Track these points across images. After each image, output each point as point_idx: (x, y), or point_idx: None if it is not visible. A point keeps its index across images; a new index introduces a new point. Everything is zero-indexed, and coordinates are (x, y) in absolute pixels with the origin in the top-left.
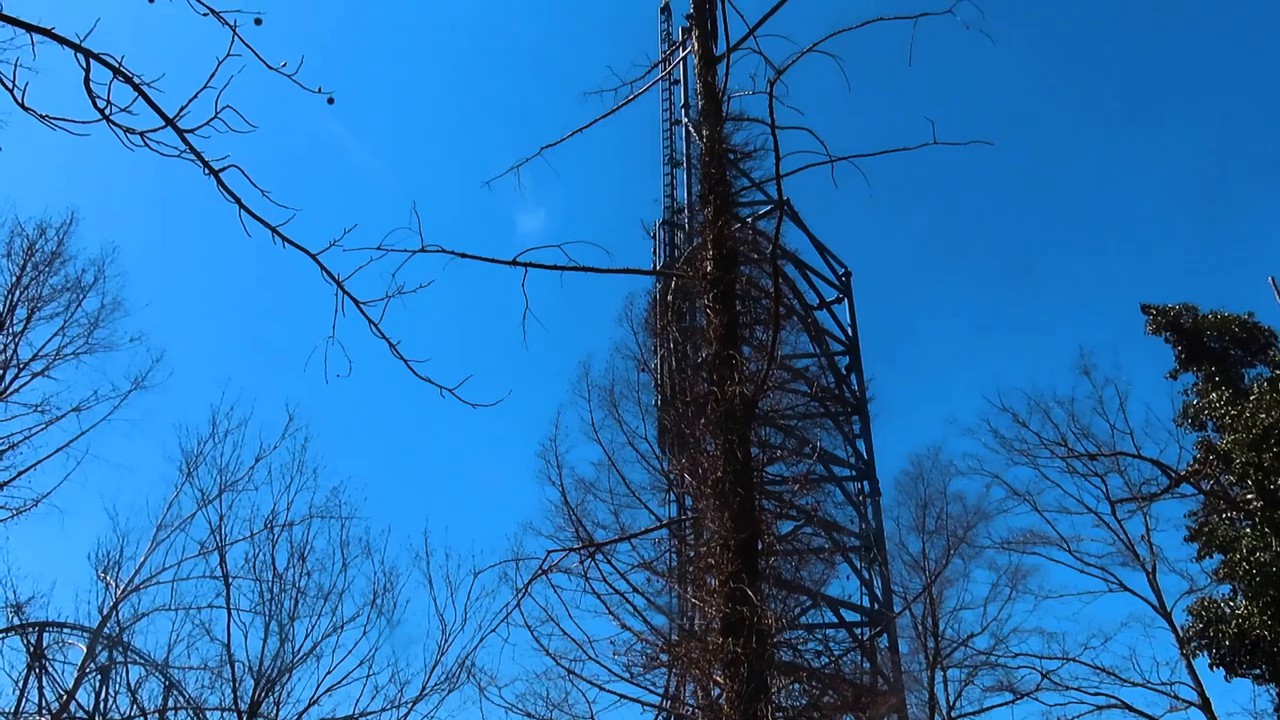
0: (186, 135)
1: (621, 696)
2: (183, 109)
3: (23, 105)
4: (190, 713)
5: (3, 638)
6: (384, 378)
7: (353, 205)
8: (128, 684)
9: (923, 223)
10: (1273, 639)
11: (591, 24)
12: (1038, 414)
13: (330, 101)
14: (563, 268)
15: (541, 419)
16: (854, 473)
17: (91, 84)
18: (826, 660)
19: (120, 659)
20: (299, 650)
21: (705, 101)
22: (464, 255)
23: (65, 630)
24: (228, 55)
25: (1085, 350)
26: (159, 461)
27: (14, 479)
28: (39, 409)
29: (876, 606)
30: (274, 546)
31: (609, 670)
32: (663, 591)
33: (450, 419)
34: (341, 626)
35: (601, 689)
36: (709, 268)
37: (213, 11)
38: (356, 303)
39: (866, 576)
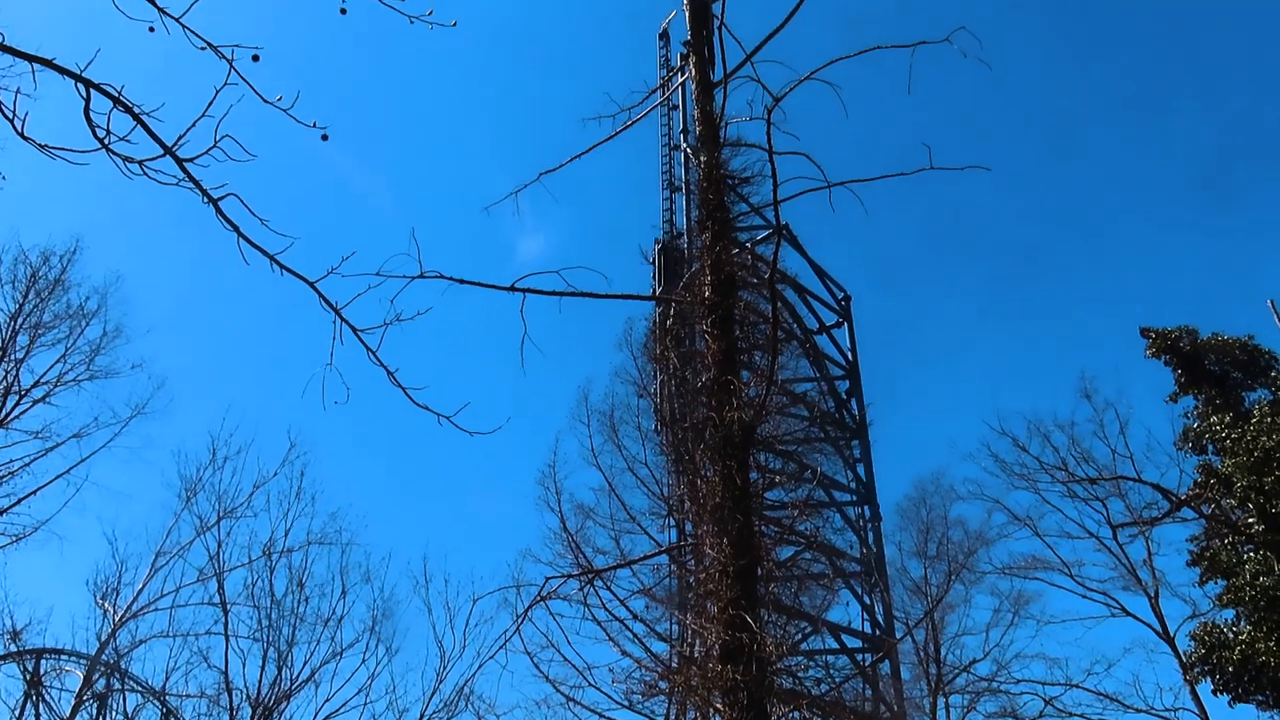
0: (186, 164)
1: None
2: (181, 138)
3: (23, 135)
4: None
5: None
6: (383, 403)
7: (351, 232)
8: (125, 711)
9: (922, 245)
10: (1276, 664)
11: (589, 51)
12: (1038, 438)
13: (325, 138)
14: (561, 293)
15: (541, 445)
16: (854, 497)
17: (91, 113)
18: (827, 687)
19: (118, 686)
20: (297, 677)
21: (703, 127)
22: (463, 281)
23: (63, 657)
24: (225, 84)
25: (1086, 374)
26: (158, 488)
27: (14, 505)
28: (39, 435)
29: (878, 632)
30: (272, 573)
31: (609, 697)
32: (662, 618)
33: (450, 445)
34: (340, 653)
35: (601, 716)
36: (707, 293)
37: (210, 46)
38: (355, 330)
39: (868, 602)
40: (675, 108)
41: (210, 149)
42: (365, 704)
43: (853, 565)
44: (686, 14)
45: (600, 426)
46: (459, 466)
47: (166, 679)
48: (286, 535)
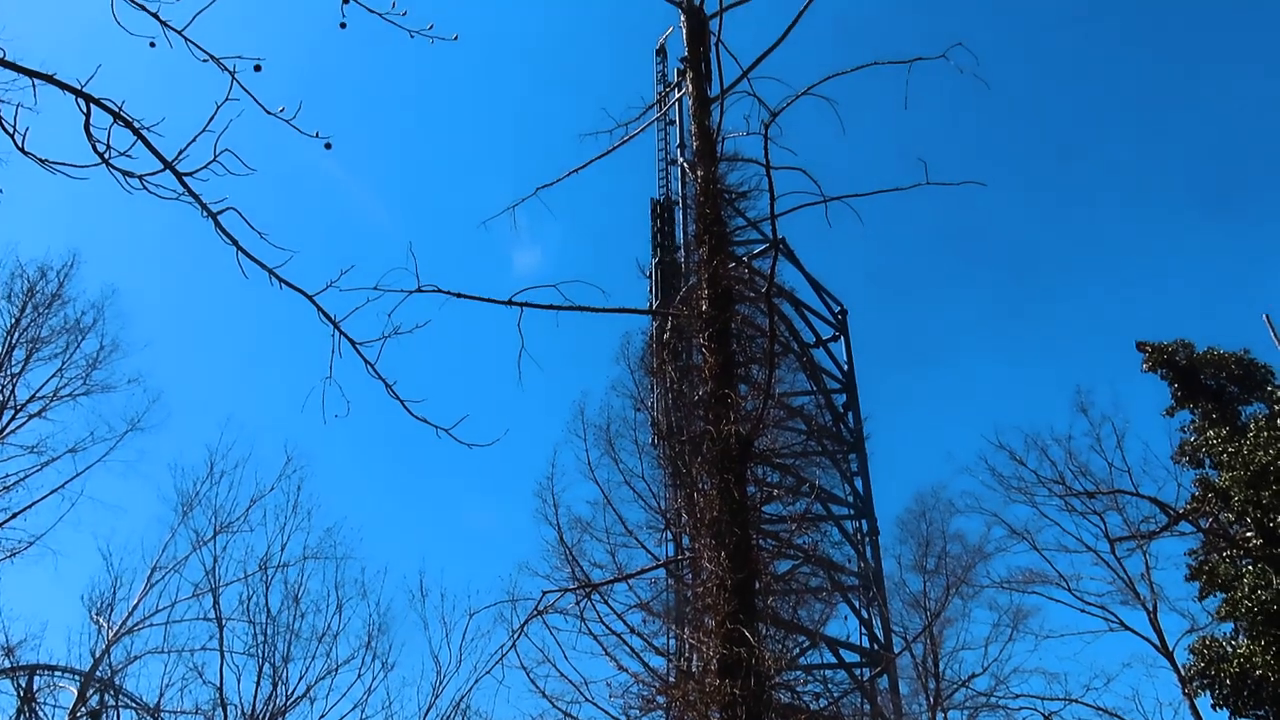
0: (185, 178)
1: None
2: (181, 153)
3: (23, 149)
4: None
5: None
6: (380, 417)
7: (349, 246)
8: None
9: (918, 259)
10: (1275, 678)
11: (586, 67)
12: (1035, 451)
13: (328, 146)
14: (559, 307)
15: (538, 458)
16: (852, 511)
17: (92, 128)
18: (826, 702)
19: (111, 703)
20: (292, 693)
21: (700, 142)
22: (460, 295)
23: (56, 673)
24: (226, 99)
25: (1082, 388)
26: (154, 503)
27: (8, 520)
28: (35, 450)
29: (876, 647)
30: (268, 588)
31: (606, 713)
32: (660, 632)
33: (447, 458)
34: (336, 669)
35: None
36: (705, 306)
37: (212, 58)
38: (353, 343)
39: (865, 616)
40: (672, 123)
41: (209, 163)
42: (363, 719)
43: (850, 579)
44: (684, 30)
45: (597, 440)
46: (455, 480)
47: (161, 695)
48: (283, 550)
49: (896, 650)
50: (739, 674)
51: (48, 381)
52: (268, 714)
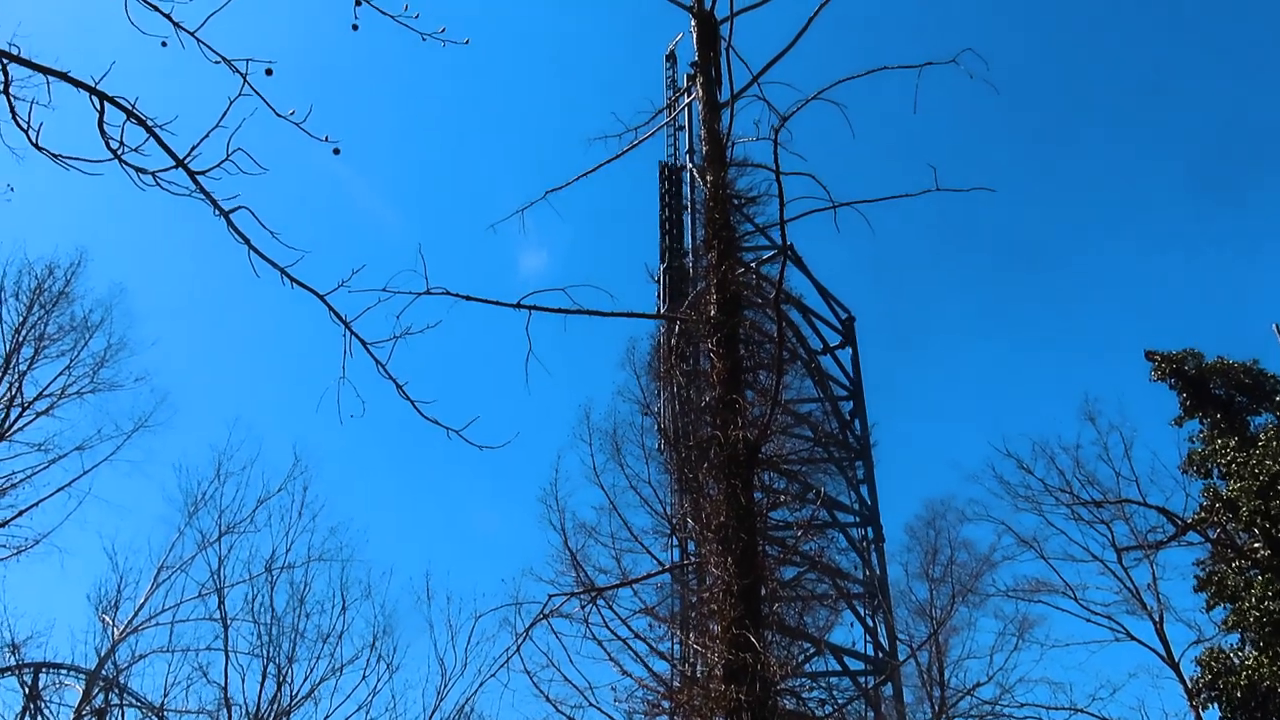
0: (198, 176)
1: None
2: (193, 149)
3: (37, 145)
4: None
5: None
6: (386, 418)
7: (357, 247)
8: None
9: (926, 263)
10: None
11: (596, 71)
12: (1042, 460)
13: (336, 152)
14: (567, 311)
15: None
16: (857, 519)
17: (105, 125)
18: (830, 709)
19: (116, 701)
20: (297, 694)
21: (710, 147)
22: (469, 298)
23: (62, 671)
24: (239, 95)
25: (1090, 396)
26: (160, 502)
27: (15, 518)
28: (42, 448)
29: (881, 654)
30: (273, 589)
31: (610, 718)
32: (665, 637)
33: (453, 461)
34: (340, 670)
35: None
36: (713, 312)
37: (224, 59)
38: (364, 343)
39: (870, 624)
40: (681, 128)
41: (222, 162)
42: None
43: (856, 586)
44: (694, 35)
45: (603, 445)
46: (462, 483)
47: (165, 694)
48: (288, 551)
49: (901, 658)
50: (744, 679)
51: (55, 379)
52: (272, 714)
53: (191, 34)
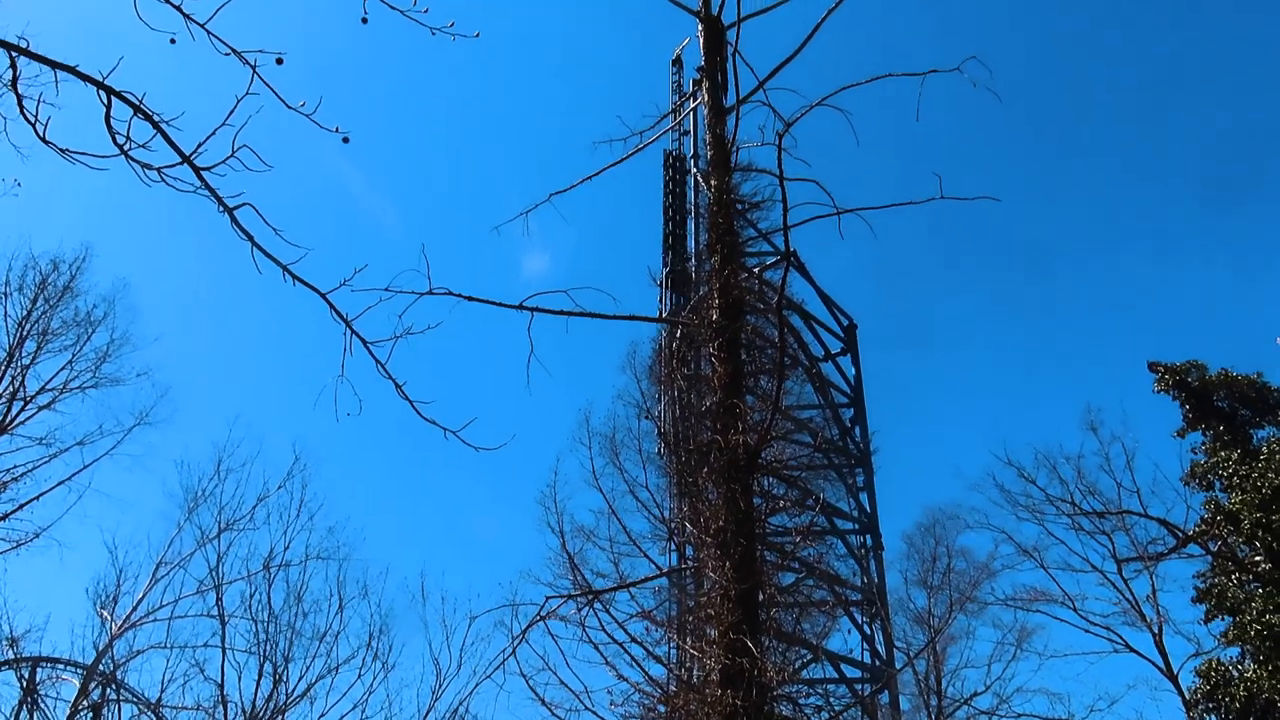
0: (203, 173)
1: None
2: (199, 146)
3: (44, 139)
4: None
5: None
6: (386, 418)
7: (358, 246)
8: None
9: (929, 271)
10: None
11: (603, 75)
12: (1044, 470)
13: (346, 140)
14: (569, 313)
15: (542, 464)
16: (856, 526)
17: (112, 120)
18: (827, 716)
19: (113, 697)
20: (293, 692)
21: (714, 152)
22: (471, 298)
23: (59, 666)
24: (246, 93)
25: (1092, 406)
26: (160, 498)
27: (15, 511)
28: (43, 442)
29: (878, 663)
30: (270, 586)
31: None
32: (661, 642)
33: (452, 463)
34: (336, 669)
35: None
36: (715, 316)
37: (234, 51)
38: (364, 342)
39: (868, 632)
40: (686, 133)
41: (228, 158)
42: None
43: (854, 594)
44: (701, 40)
45: (602, 449)
46: (460, 485)
47: (162, 690)
48: (286, 549)
49: (899, 666)
50: (741, 685)
51: (58, 373)
52: (268, 712)
53: (201, 25)
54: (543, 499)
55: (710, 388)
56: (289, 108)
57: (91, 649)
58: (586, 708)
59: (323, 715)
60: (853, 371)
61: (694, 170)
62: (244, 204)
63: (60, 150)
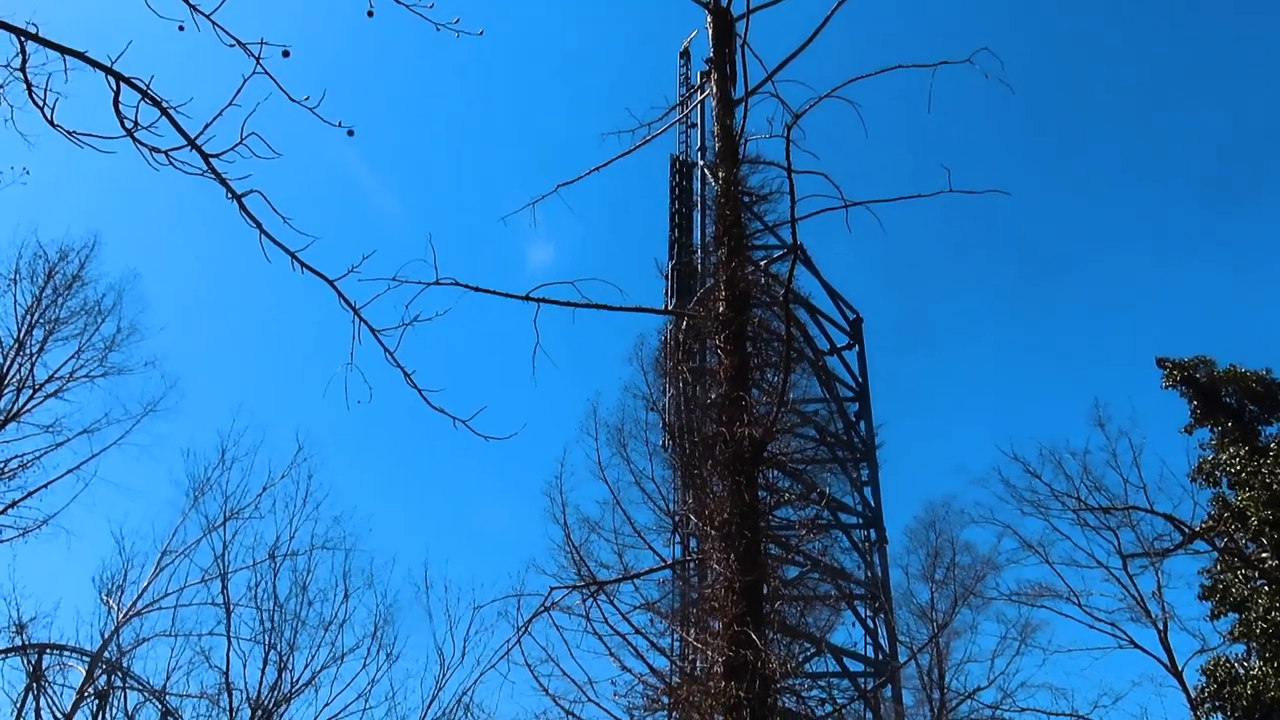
0: (211, 158)
1: None
2: (205, 129)
3: (52, 123)
4: None
5: (3, 658)
6: (392, 407)
7: (363, 236)
8: (125, 709)
9: (936, 266)
10: None
11: (610, 66)
12: (1050, 464)
13: (350, 134)
14: (575, 304)
15: (548, 456)
16: (861, 520)
17: (120, 106)
18: (830, 709)
19: (119, 684)
20: (297, 680)
21: (722, 143)
22: (478, 289)
23: (66, 653)
24: (251, 75)
25: (1100, 401)
26: (166, 486)
27: (23, 499)
28: (50, 430)
29: (881, 656)
30: (276, 575)
31: (609, 713)
32: (665, 633)
33: (459, 455)
34: (341, 658)
35: None
36: (721, 309)
37: (239, 43)
38: (373, 330)
39: (871, 625)
40: (693, 125)
41: (236, 145)
42: (365, 709)
43: (858, 587)
44: (710, 31)
45: (609, 440)
46: (467, 477)
47: (168, 678)
48: (292, 538)
49: (902, 660)
50: (745, 677)
51: (66, 363)
52: (273, 700)
53: (207, 16)
54: (549, 490)
55: (716, 380)
56: (293, 100)
57: (98, 636)
58: (590, 699)
59: (327, 704)
60: (858, 366)
61: (701, 163)
62: (251, 191)
63: (68, 133)
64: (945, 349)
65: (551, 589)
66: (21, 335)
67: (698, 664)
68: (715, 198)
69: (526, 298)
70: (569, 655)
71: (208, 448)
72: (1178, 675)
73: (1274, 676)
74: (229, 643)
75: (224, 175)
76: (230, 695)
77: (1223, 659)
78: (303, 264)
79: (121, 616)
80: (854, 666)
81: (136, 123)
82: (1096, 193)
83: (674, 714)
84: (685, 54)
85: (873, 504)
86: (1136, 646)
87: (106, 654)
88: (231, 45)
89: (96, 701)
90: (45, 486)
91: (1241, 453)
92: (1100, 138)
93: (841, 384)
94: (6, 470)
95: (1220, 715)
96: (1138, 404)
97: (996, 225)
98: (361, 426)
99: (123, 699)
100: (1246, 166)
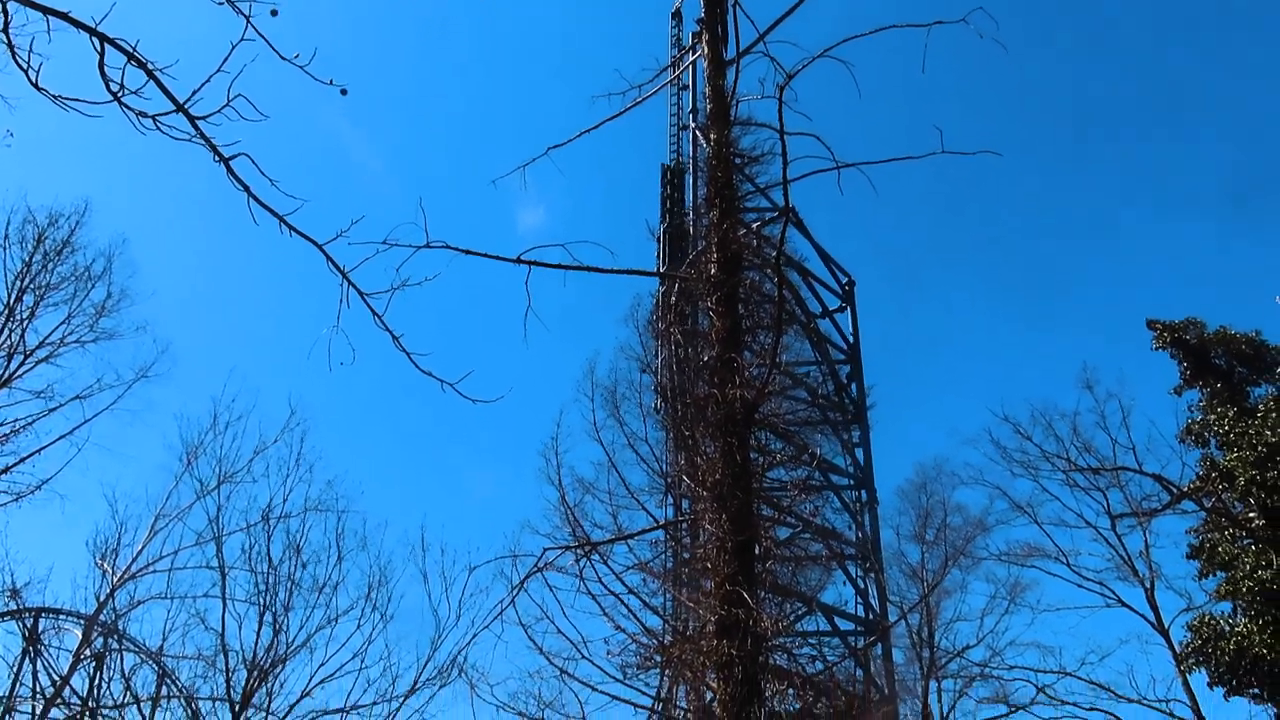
0: (198, 122)
1: (614, 698)
2: (194, 94)
3: (36, 86)
4: (183, 702)
5: None
6: (385, 371)
7: (351, 199)
8: (122, 671)
9: (929, 229)
10: (1272, 657)
11: (601, 28)
12: (1040, 426)
13: (344, 93)
14: (567, 266)
15: (541, 421)
16: (852, 481)
17: (105, 68)
18: (821, 666)
19: (115, 646)
20: (292, 642)
21: (714, 105)
22: (468, 252)
23: (61, 616)
24: (241, 40)
25: (1088, 364)
26: (159, 451)
27: (16, 464)
28: (42, 395)
29: (872, 615)
30: (270, 538)
31: (602, 671)
32: (658, 593)
33: (452, 416)
34: (336, 619)
35: (594, 689)
36: (713, 270)
37: (229, 1)
38: (361, 294)
39: (862, 585)
40: (685, 88)
41: (223, 107)
42: (360, 669)
43: (849, 547)
44: None
45: (603, 401)
46: (459, 443)
47: (164, 640)
48: (285, 501)
49: (892, 619)
50: (736, 635)
51: (56, 328)
52: (269, 661)
53: None
54: (545, 451)
55: (708, 342)
56: (283, 59)
57: (93, 600)
58: (584, 657)
59: (322, 664)
60: (850, 328)
61: (693, 125)
62: (239, 154)
63: (53, 97)
64: (937, 313)
65: (545, 550)
66: (11, 301)
67: (690, 623)
68: (707, 159)
69: (518, 260)
70: (563, 615)
71: (200, 412)
72: (1164, 632)
73: (1260, 633)
74: (224, 605)
75: (211, 139)
76: (226, 657)
77: (1208, 616)
78: (291, 227)
79: (116, 580)
80: (845, 625)
81: (123, 86)
82: (1091, 154)
83: (667, 672)
84: (677, 15)
85: (864, 465)
86: (1124, 605)
87: (102, 617)
88: (220, 3)
89: (93, 664)
90: (38, 451)
91: (1230, 414)
92: (1091, 99)
93: (834, 346)
94: None
95: (1204, 669)
96: (1128, 367)
97: (989, 189)
98: (354, 392)
99: (119, 661)
100: (1252, 135)
